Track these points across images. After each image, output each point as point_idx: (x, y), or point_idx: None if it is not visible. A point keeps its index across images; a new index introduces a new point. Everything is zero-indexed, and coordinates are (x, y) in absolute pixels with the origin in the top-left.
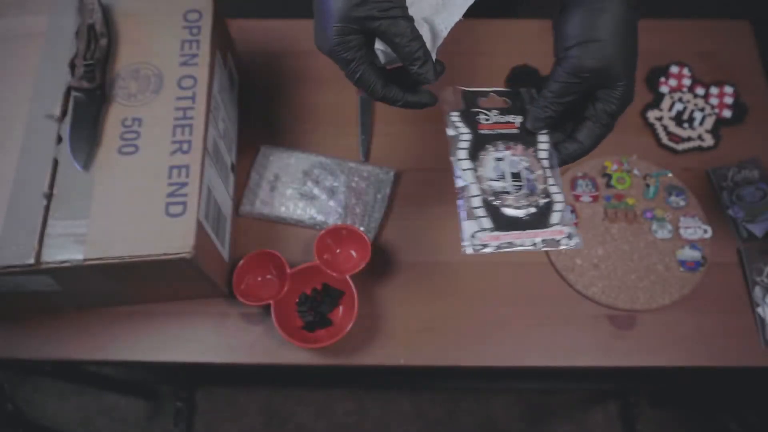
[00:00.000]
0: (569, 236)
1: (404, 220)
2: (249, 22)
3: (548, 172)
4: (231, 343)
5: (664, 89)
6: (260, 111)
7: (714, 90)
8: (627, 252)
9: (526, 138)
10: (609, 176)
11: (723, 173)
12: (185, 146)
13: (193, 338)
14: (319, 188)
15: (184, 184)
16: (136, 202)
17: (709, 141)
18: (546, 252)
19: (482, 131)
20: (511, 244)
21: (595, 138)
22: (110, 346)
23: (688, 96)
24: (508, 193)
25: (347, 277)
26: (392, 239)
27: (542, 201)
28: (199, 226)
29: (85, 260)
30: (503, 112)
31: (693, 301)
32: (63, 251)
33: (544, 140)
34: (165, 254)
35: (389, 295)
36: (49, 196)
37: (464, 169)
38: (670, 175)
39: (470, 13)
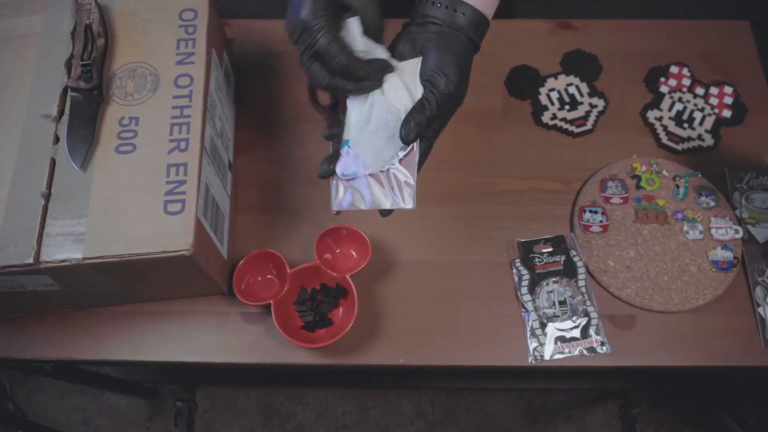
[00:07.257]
0: (602, 344)
1: (404, 220)
2: (248, 22)
3: (586, 296)
4: (231, 343)
5: (663, 89)
6: (257, 110)
7: (714, 90)
8: (659, 253)
9: (569, 272)
10: (638, 177)
11: (740, 175)
12: (183, 144)
13: (193, 338)
14: None
15: (182, 182)
16: (134, 201)
17: (708, 141)
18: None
19: (538, 271)
20: (562, 353)
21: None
22: (110, 346)
23: (687, 96)
24: (557, 316)
25: (347, 277)
26: (392, 239)
27: (582, 320)
28: (198, 224)
29: (84, 259)
30: (551, 254)
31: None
32: (62, 250)
33: (582, 273)
34: (164, 252)
35: (389, 295)
36: (47, 196)
37: (526, 302)
38: (699, 175)
39: None
